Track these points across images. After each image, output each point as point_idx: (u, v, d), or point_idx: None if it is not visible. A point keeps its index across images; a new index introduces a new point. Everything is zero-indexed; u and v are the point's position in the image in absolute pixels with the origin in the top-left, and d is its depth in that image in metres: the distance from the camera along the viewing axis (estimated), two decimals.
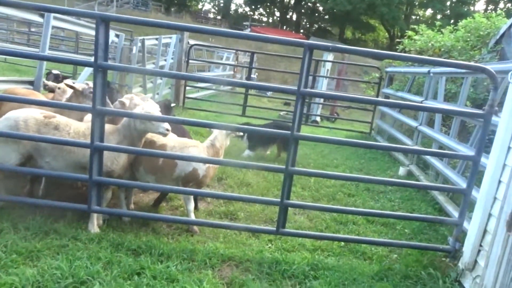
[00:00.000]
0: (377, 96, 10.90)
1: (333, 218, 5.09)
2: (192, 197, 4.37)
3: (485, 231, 3.48)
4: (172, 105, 6.61)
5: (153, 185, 4.23)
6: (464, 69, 4.98)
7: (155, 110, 4.02)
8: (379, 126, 10.60)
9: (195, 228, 4.29)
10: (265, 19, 51.09)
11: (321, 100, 13.27)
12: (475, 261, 3.52)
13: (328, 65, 13.38)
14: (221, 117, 11.46)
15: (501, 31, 7.28)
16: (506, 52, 6.82)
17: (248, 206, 5.14)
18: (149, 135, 4.29)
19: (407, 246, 4.13)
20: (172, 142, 4.35)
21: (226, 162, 4.05)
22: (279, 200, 3.84)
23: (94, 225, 3.96)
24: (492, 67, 3.84)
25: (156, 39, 9.72)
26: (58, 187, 4.79)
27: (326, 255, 4.16)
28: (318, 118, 13.25)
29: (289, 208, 4.59)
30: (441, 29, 9.41)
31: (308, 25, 49.24)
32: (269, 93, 18.15)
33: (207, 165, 4.31)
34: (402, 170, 7.26)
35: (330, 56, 13.11)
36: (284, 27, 49.28)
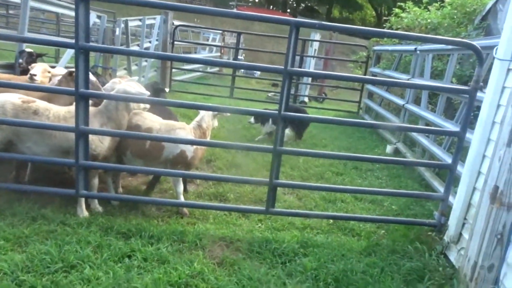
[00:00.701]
0: (365, 75, 10.90)
1: (322, 196, 5.15)
2: (181, 179, 4.37)
3: (469, 205, 3.56)
4: (166, 89, 6.50)
5: (140, 168, 4.21)
6: (450, 46, 4.99)
7: (136, 89, 3.99)
8: (367, 105, 10.64)
9: (185, 210, 4.30)
10: None
11: (309, 81, 13.23)
12: (460, 234, 3.61)
13: (316, 45, 13.28)
14: (209, 99, 11.38)
15: (487, 8, 7.29)
16: (492, 28, 6.84)
17: (237, 187, 5.16)
18: (134, 119, 4.25)
19: (394, 221, 4.21)
20: (158, 125, 4.31)
21: (214, 143, 4.02)
22: (268, 180, 3.85)
23: (83, 209, 3.94)
24: (477, 43, 3.85)
25: (140, 20, 9.50)
26: (44, 173, 4.73)
27: (315, 233, 4.21)
28: (306, 99, 13.23)
29: (279, 188, 4.64)
30: (428, 6, 9.37)
31: (295, 5, 48.63)
32: (257, 74, 18.01)
33: (195, 146, 4.29)
34: (389, 148, 7.34)
35: (317, 36, 13.01)
36: (271, 6, 48.64)
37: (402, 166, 6.40)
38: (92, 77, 3.98)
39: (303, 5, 48.00)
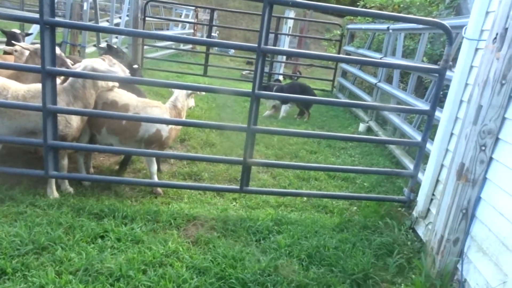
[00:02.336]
0: (339, 54, 10.94)
1: (296, 175, 5.21)
2: (154, 159, 4.31)
3: (437, 181, 3.68)
4: (135, 66, 6.29)
5: (111, 147, 4.12)
6: (421, 25, 5.05)
7: (104, 66, 3.88)
8: (341, 83, 10.72)
9: (159, 190, 4.27)
10: None
11: (284, 59, 13.17)
12: (428, 209, 3.74)
13: (290, 23, 13.15)
14: (182, 77, 11.18)
15: None
16: (462, 7, 6.96)
17: (212, 166, 5.15)
18: (111, 95, 4.14)
19: (366, 198, 4.32)
20: (134, 102, 4.23)
21: (188, 122, 3.97)
22: (242, 159, 3.85)
23: (53, 190, 3.85)
24: (447, 22, 3.91)
25: None
26: (11, 153, 4.57)
27: (289, 210, 4.28)
28: (281, 77, 13.19)
29: (253, 167, 4.66)
30: None
31: None
32: (231, 52, 17.76)
33: (170, 126, 4.24)
34: (362, 127, 7.46)
35: (291, 13, 12.89)
36: None
37: (374, 144, 6.54)
38: (58, 51, 3.82)
39: None
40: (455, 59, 3.71)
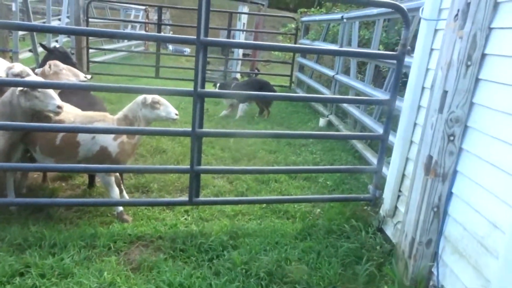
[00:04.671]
0: None
1: (254, 177, 4.81)
2: (112, 180, 3.69)
3: (403, 176, 3.39)
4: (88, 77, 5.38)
5: (35, 165, 3.54)
6: (375, 7, 4.79)
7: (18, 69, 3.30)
8: (298, 78, 10.45)
9: (126, 216, 3.66)
10: None
11: (240, 56, 12.76)
12: (396, 207, 3.45)
13: (244, 19, 12.77)
14: (133, 80, 10.54)
15: None
16: None
17: (161, 175, 4.66)
18: None
19: (329, 199, 3.99)
20: (72, 117, 3.56)
21: (119, 129, 3.45)
22: (188, 167, 3.40)
23: None
24: (404, 5, 3.63)
25: None
26: None
27: (247, 219, 3.87)
28: (238, 75, 12.77)
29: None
30: None
31: None
32: (187, 52, 17.14)
33: (120, 140, 3.61)
34: (322, 121, 7.18)
35: (245, 9, 12.49)
36: None
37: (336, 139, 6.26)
38: None
39: None
40: (413, 46, 3.43)
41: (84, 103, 3.93)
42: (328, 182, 4.77)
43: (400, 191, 3.41)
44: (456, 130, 2.51)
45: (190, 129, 3.27)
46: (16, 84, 3.18)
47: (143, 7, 15.44)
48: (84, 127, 3.44)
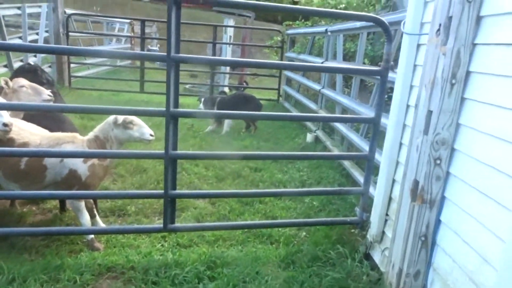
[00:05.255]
0: (281, 60, 10.55)
1: (238, 198, 4.61)
2: (82, 205, 3.46)
3: (390, 199, 3.21)
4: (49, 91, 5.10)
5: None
6: (357, 21, 4.67)
7: None
8: (286, 91, 10.32)
9: (97, 244, 3.43)
10: None
11: (227, 69, 12.62)
12: (383, 232, 3.26)
13: (231, 31, 12.67)
14: (117, 95, 10.32)
15: None
16: (398, 6, 6.73)
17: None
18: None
19: (314, 223, 3.80)
20: (38, 139, 3.33)
21: (91, 153, 3.23)
22: (162, 191, 3.18)
23: None
24: (385, 18, 3.50)
25: (18, 8, 8.07)
26: None
27: (228, 244, 3.66)
28: (226, 89, 12.61)
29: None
30: None
31: None
32: None
33: (91, 163, 3.39)
34: (309, 137, 7.01)
35: (231, 22, 12.40)
36: None
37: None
38: None
39: None
40: (396, 60, 3.29)
41: (50, 123, 3.71)
42: (314, 203, 4.58)
43: (387, 214, 3.23)
44: (443, 153, 2.35)
45: (163, 151, 3.06)
46: None
47: (128, 21, 15.26)
48: (50, 150, 3.22)
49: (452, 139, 2.33)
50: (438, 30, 2.36)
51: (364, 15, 3.36)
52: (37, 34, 8.76)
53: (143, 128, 3.45)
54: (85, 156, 3.23)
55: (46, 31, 8.92)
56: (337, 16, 3.62)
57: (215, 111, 6.60)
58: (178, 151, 3.20)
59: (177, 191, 3.32)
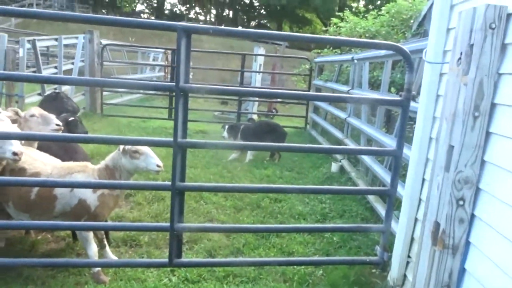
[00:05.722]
0: (309, 88, 10.47)
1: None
2: (90, 236, 3.41)
3: (412, 239, 2.95)
4: (71, 119, 5.24)
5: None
6: (376, 49, 4.50)
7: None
8: (313, 119, 10.16)
9: (102, 277, 3.33)
10: (201, 17, 49.63)
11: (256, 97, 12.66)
12: (404, 276, 2.98)
13: (261, 59, 12.77)
14: (147, 122, 10.51)
15: (423, 13, 7.00)
16: (429, 33, 6.51)
17: None
18: (20, 161, 3.26)
19: (331, 262, 3.54)
20: (50, 169, 3.33)
21: (99, 183, 3.18)
22: (168, 224, 3.06)
23: None
24: (406, 46, 3.32)
25: (56, 39, 8.49)
26: None
27: (238, 281, 3.47)
28: (254, 116, 12.60)
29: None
30: (366, 15, 9.08)
31: (246, 22, 48.57)
32: None
33: (100, 193, 3.34)
34: (334, 166, 6.77)
35: (261, 50, 12.52)
36: (222, 25, 48.44)
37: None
38: None
39: (253, 22, 48.14)
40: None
41: (63, 151, 3.73)
42: (334, 238, 4.32)
43: (409, 256, 2.96)
44: (466, 193, 2.10)
45: (169, 183, 2.96)
46: None
47: (162, 50, 15.76)
48: (61, 181, 3.19)
49: (476, 177, 2.09)
50: (459, 59, 2.17)
51: (383, 43, 3.20)
52: (72, 64, 9.13)
53: (150, 158, 3.37)
54: (92, 186, 3.18)
55: (82, 61, 9.29)
56: (353, 44, 3.49)
57: (224, 142, 6.53)
58: (186, 183, 3.09)
59: (184, 224, 3.18)
